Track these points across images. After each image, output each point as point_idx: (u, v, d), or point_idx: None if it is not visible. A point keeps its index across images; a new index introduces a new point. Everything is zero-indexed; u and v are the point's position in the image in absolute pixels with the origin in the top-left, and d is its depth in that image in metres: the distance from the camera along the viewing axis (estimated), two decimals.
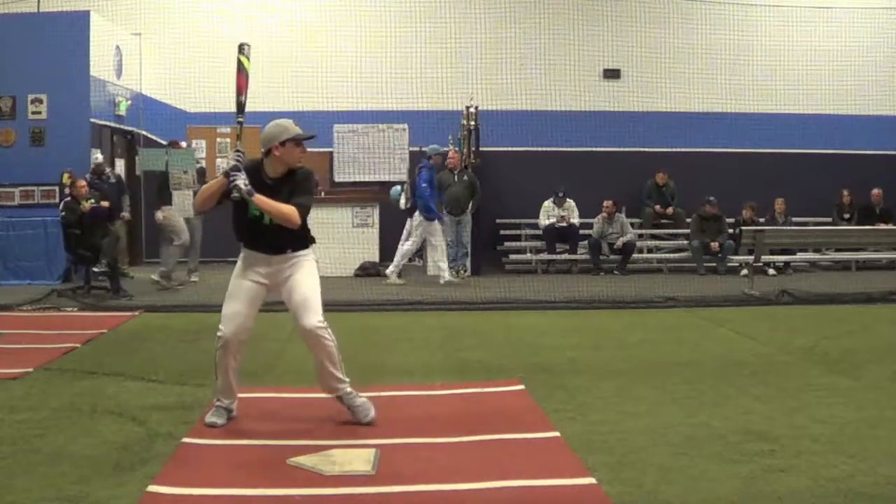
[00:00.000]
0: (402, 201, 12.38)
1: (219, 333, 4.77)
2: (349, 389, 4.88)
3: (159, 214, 11.21)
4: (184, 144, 12.39)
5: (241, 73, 4.89)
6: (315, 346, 4.76)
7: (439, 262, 11.82)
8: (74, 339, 7.48)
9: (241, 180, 4.54)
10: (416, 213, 11.79)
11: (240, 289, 4.82)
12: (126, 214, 12.31)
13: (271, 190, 4.67)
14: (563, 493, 3.76)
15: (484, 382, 5.91)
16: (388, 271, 11.91)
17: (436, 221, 11.74)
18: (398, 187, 12.67)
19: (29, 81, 12.10)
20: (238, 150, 4.65)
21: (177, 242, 11.20)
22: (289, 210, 4.64)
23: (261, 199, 4.58)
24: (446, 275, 11.66)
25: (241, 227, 4.82)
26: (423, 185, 11.64)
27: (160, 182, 11.40)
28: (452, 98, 13.49)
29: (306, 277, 4.81)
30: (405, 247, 12.06)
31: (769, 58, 14.75)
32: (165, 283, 11.11)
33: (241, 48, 4.92)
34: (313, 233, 4.97)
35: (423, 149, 12.36)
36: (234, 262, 4.92)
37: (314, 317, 4.72)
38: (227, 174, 4.58)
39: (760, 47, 14.78)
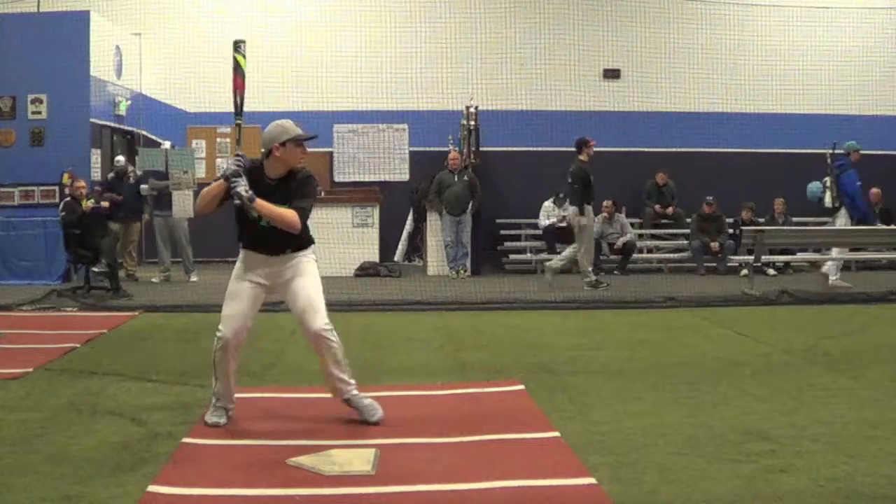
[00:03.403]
0: (828, 198, 11.91)
1: (218, 334, 4.75)
2: (355, 391, 4.88)
3: (583, 218, 10.98)
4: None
5: (237, 72, 4.86)
6: (320, 349, 4.76)
7: (835, 263, 11.51)
8: (74, 339, 7.48)
9: (242, 186, 4.51)
10: (842, 210, 11.45)
11: (240, 290, 4.79)
12: (147, 215, 12.35)
13: (272, 190, 4.66)
14: (563, 493, 3.76)
15: (484, 382, 5.91)
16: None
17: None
18: (818, 183, 12.22)
19: (29, 81, 12.12)
20: (238, 155, 4.62)
21: (579, 245, 11.08)
22: (290, 214, 4.62)
23: (262, 205, 4.55)
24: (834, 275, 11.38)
25: (242, 227, 4.81)
26: (850, 181, 11.37)
27: (584, 182, 11.04)
28: (452, 98, 13.50)
29: (309, 279, 4.80)
30: (834, 251, 11.68)
31: (769, 57, 14.76)
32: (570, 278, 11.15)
33: (236, 46, 4.86)
34: (313, 233, 4.97)
35: (838, 148, 11.79)
36: (234, 263, 4.92)
37: (320, 319, 4.72)
38: (227, 179, 4.56)
39: (760, 47, 14.79)
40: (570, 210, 11.20)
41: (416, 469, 4.09)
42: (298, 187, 4.74)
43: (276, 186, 4.70)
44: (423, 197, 13.36)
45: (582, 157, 11.20)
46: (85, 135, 12.28)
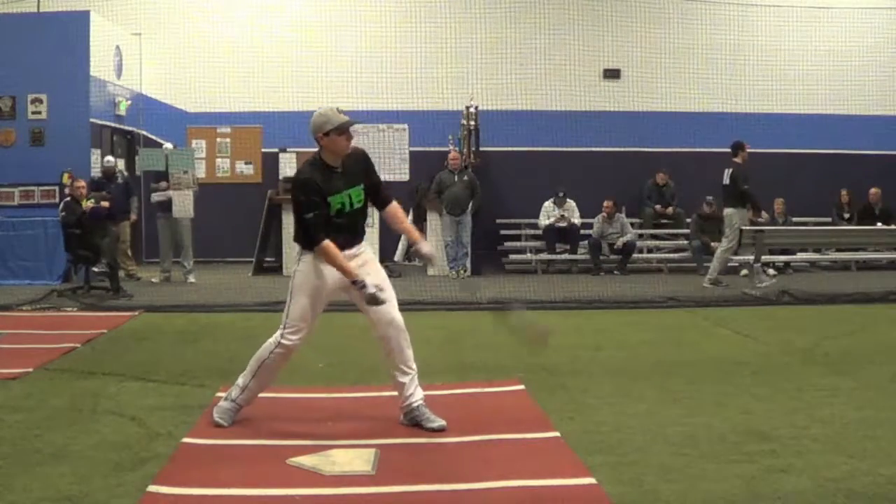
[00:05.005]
0: None
1: (286, 341, 4.67)
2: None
3: (737, 219, 11.05)
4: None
5: None
6: (404, 337, 4.74)
7: None
8: (74, 339, 7.48)
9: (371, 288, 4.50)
10: None
11: (319, 291, 4.66)
12: (133, 215, 12.33)
13: (343, 178, 4.63)
14: (563, 493, 3.76)
15: (484, 382, 5.92)
16: None
17: None
18: None
19: (29, 81, 12.11)
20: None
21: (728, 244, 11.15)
22: (397, 205, 4.81)
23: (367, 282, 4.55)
24: None
25: (326, 226, 4.60)
26: None
27: (744, 183, 11.03)
28: (452, 98, 13.49)
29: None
30: None
31: (769, 58, 14.74)
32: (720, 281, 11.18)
33: None
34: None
35: None
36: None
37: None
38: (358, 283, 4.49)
39: (760, 47, 14.77)
40: (727, 211, 11.23)
41: (416, 469, 4.09)
42: (367, 166, 4.75)
43: (342, 173, 4.66)
44: (423, 197, 13.35)
45: (737, 160, 11.22)
46: (85, 135, 12.27)
